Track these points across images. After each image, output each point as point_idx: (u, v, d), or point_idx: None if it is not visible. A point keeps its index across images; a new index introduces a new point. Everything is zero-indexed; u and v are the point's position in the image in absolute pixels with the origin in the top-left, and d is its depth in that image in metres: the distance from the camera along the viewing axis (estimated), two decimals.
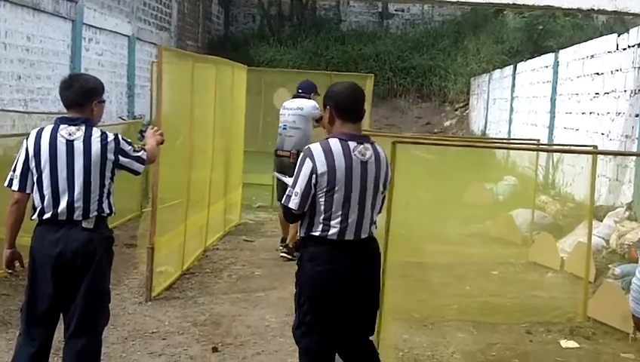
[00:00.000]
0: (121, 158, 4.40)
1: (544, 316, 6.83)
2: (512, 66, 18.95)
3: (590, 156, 7.39)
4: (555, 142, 13.16)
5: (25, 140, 4.36)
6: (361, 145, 4.06)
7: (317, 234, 4.07)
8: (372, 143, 4.15)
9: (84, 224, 4.28)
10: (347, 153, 4.01)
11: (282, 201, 4.15)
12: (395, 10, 34.65)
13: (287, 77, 15.86)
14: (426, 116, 28.06)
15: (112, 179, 4.42)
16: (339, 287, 4.09)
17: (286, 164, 8.82)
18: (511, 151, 16.61)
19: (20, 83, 15.80)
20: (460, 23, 31.21)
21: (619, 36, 10.32)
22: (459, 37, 29.95)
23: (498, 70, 21.44)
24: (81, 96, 4.35)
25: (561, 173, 12.35)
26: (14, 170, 4.34)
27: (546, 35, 25.51)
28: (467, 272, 8.59)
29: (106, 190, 4.37)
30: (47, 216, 4.27)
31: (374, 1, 27.53)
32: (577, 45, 12.67)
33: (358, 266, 4.11)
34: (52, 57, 17.08)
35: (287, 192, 4.10)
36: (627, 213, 8.76)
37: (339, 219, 4.04)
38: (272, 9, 34.28)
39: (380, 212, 4.32)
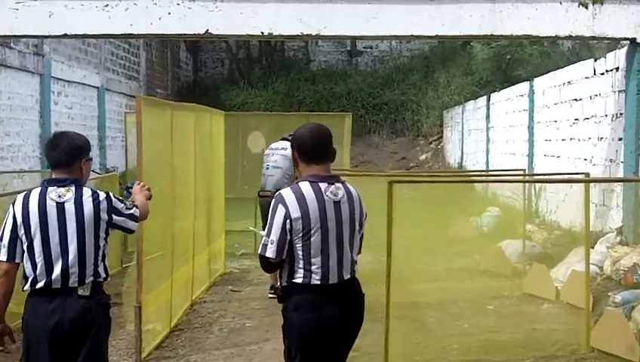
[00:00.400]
0: (115, 217, 4.25)
1: (547, 350, 6.67)
2: (485, 97, 19.01)
3: (581, 183, 7.30)
4: (536, 171, 13.11)
5: (11, 206, 4.17)
6: (332, 186, 4.01)
7: (299, 281, 3.96)
8: (343, 183, 4.09)
9: (80, 291, 4.10)
10: (319, 195, 3.95)
11: (259, 251, 4.03)
12: (364, 48, 34.82)
13: (263, 120, 15.77)
14: (401, 151, 28.06)
15: (105, 240, 4.27)
16: (328, 333, 3.99)
17: (267, 205, 8.65)
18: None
19: None
20: (428, 57, 31.42)
21: (595, 61, 10.32)
22: (428, 71, 30.11)
23: (471, 101, 21.50)
24: (69, 155, 4.19)
25: (544, 201, 12.27)
26: (1, 239, 4.13)
27: (514, 64, 25.63)
28: (462, 309, 8.42)
29: (100, 252, 4.22)
30: (40, 285, 4.07)
31: (343, 39, 27.40)
32: (553, 72, 12.68)
33: (345, 308, 4.03)
34: (21, 113, 16.81)
35: (262, 241, 4.00)
36: (618, 238, 8.65)
37: (319, 263, 3.94)
38: (241, 52, 34.32)
39: (359, 252, 4.22)
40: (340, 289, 4.00)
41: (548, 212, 12.00)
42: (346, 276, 4.03)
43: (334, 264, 3.97)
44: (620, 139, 9.13)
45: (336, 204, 3.98)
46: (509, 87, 17.98)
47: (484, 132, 18.44)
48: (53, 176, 4.22)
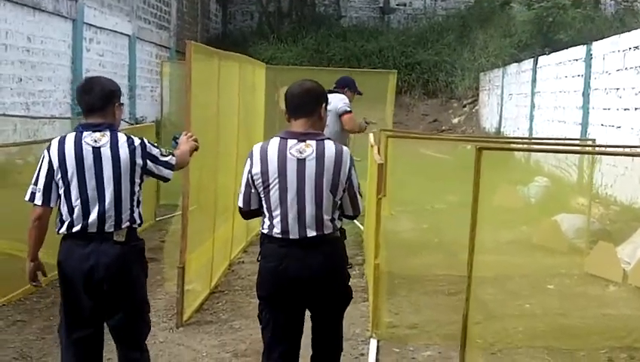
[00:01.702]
0: (149, 163, 4.19)
1: (623, 339, 6.11)
2: (531, 60, 18.24)
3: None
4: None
5: (45, 151, 4.09)
6: (302, 143, 3.96)
7: (265, 231, 4.06)
8: (320, 140, 3.99)
9: (115, 237, 4.06)
10: (282, 152, 3.95)
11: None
12: (397, 5, 34.02)
13: (302, 74, 15.14)
14: (433, 113, 27.36)
15: (140, 186, 4.21)
16: (287, 284, 4.00)
17: None
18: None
19: (21, 86, 15.09)
20: (464, 16, 30.51)
21: None
22: (464, 31, 29.23)
23: (514, 64, 20.72)
24: (103, 99, 4.14)
25: (599, 174, 11.62)
26: (36, 183, 4.05)
27: (555, 28, 24.72)
28: (519, 287, 7.87)
29: (136, 198, 4.17)
30: (76, 228, 4.03)
31: None
32: (617, 36, 11.95)
33: (310, 264, 3.97)
34: (53, 58, 16.38)
35: (239, 190, 4.18)
36: None
37: (279, 216, 3.96)
38: (271, 6, 33.59)
39: (358, 212, 4.18)
40: (302, 245, 3.96)
41: (603, 186, 11.35)
42: (310, 233, 3.95)
43: (293, 219, 3.94)
44: None
45: (300, 161, 3.93)
46: (552, 51, 17.26)
47: (529, 97, 17.73)
48: (87, 121, 4.13)
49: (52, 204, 4.06)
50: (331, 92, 8.75)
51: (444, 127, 26.13)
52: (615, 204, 10.63)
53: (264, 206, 4.03)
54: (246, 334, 6.24)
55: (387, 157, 7.89)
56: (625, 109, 11.10)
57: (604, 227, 9.60)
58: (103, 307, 4.13)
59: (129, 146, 4.10)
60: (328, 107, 8.82)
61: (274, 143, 4.00)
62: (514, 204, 12.03)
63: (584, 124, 13.05)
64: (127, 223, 4.10)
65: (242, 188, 4.12)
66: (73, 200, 4.01)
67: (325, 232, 3.99)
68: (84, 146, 4.01)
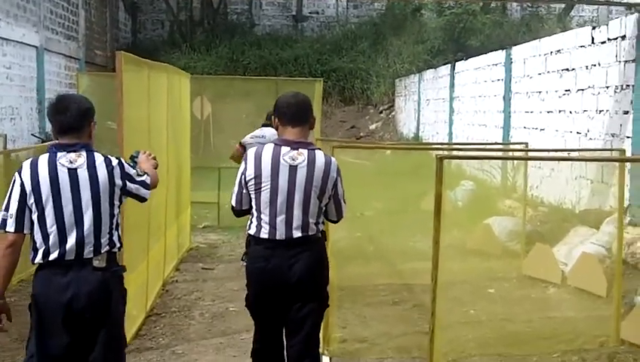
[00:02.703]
0: (128, 184, 4.02)
1: (572, 342, 6.08)
2: (449, 65, 18.42)
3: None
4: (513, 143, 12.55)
5: (17, 174, 3.84)
6: (295, 151, 4.20)
7: (252, 233, 4.27)
8: (311, 149, 4.24)
9: (95, 263, 3.83)
10: (275, 158, 4.19)
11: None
12: (310, 13, 34.01)
13: (228, 84, 14.89)
14: (350, 120, 27.39)
15: (119, 208, 4.02)
16: (273, 284, 4.20)
17: None
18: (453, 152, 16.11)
19: None
20: (377, 24, 30.78)
21: (594, 29, 9.75)
22: (378, 38, 29.49)
23: (431, 70, 20.90)
24: (80, 119, 3.92)
25: (522, 176, 11.72)
26: (7, 209, 3.79)
27: (466, 34, 25.18)
28: (462, 293, 7.78)
29: (115, 221, 3.96)
30: (52, 256, 3.79)
31: None
32: (536, 41, 12.11)
33: (293, 264, 4.19)
34: None
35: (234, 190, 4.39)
36: (628, 219, 8.16)
37: (267, 218, 4.19)
38: (182, 15, 33.04)
39: (341, 216, 4.46)
40: (288, 245, 4.18)
41: (529, 187, 11.43)
42: (296, 234, 4.18)
43: (282, 222, 4.17)
44: (626, 113, 8.62)
45: (292, 168, 4.17)
46: (468, 56, 17.45)
47: (447, 102, 17.87)
48: (60, 141, 3.89)
49: (26, 231, 3.81)
50: (265, 126, 8.81)
51: (362, 134, 26.18)
52: (543, 206, 10.73)
53: (254, 207, 4.25)
54: (190, 359, 5.94)
55: None
56: (548, 112, 11.24)
57: (536, 228, 9.65)
58: (80, 342, 3.84)
59: (107, 166, 3.91)
60: (263, 141, 8.80)
61: (268, 149, 4.23)
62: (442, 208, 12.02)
63: (506, 128, 13.19)
64: (107, 247, 3.89)
65: (235, 189, 4.32)
66: (48, 227, 3.77)
67: (309, 233, 4.23)
68: (59, 168, 3.80)
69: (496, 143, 12.29)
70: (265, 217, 4.20)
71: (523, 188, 9.33)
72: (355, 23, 32.61)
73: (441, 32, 26.11)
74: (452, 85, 17.61)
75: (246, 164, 4.26)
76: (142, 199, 4.18)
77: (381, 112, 27.09)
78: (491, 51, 15.03)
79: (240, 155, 8.81)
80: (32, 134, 19.34)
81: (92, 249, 3.83)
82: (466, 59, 17.10)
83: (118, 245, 3.97)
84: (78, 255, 3.80)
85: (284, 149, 4.20)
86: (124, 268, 4.11)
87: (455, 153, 10.39)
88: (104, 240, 3.87)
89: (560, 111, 10.75)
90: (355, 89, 27.68)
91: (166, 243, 8.26)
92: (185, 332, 6.66)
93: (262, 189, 4.18)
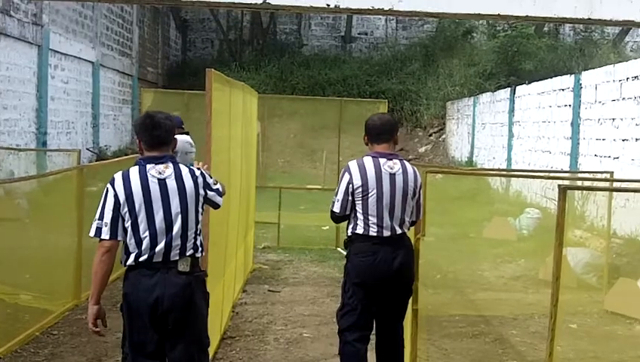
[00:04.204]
0: (208, 192, 4.30)
1: None
2: (508, 89, 18.13)
3: None
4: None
5: (109, 185, 4.09)
6: (390, 161, 4.98)
7: (360, 232, 4.97)
8: (401, 160, 5.04)
9: (180, 267, 4.08)
10: (377, 167, 4.94)
11: (330, 206, 5.09)
12: (358, 34, 33.98)
13: (291, 103, 14.81)
14: (399, 142, 27.02)
15: (201, 215, 4.29)
16: (379, 275, 4.92)
17: None
18: (512, 179, 15.80)
19: None
20: (427, 45, 30.52)
21: None
22: (428, 60, 29.26)
23: (487, 93, 20.61)
24: (170, 133, 4.27)
25: (593, 205, 11.40)
26: (101, 218, 4.05)
27: (519, 57, 24.84)
28: (542, 327, 7.48)
29: (198, 227, 4.23)
30: (142, 259, 4.04)
31: (418, 16, 26.49)
32: (611, 66, 11.81)
33: (395, 257, 4.94)
34: (18, 86, 15.69)
35: (332, 199, 5.08)
36: None
37: (375, 218, 4.92)
38: (232, 34, 33.24)
39: (418, 215, 5.17)
40: (392, 240, 4.95)
41: (599, 217, 11.09)
42: (398, 231, 4.96)
43: (387, 220, 4.92)
44: None
45: (392, 175, 4.94)
46: (531, 80, 17.15)
47: (506, 126, 17.56)
48: (148, 154, 4.18)
49: (119, 238, 4.05)
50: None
51: (410, 156, 25.92)
52: (616, 237, 10.38)
53: (359, 211, 4.95)
54: None
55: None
56: (623, 140, 10.92)
57: (612, 261, 9.33)
58: (166, 340, 4.10)
59: (192, 177, 4.19)
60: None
61: (368, 161, 4.99)
62: (507, 237, 11.75)
63: (573, 155, 12.85)
64: (191, 251, 4.14)
65: (340, 197, 5.00)
66: (141, 233, 4.03)
67: (406, 231, 5.03)
68: (150, 179, 4.07)
69: (581, 172, 11.92)
70: (372, 218, 4.92)
71: (605, 219, 8.98)
72: (405, 44, 32.48)
73: (493, 54, 25.80)
74: (512, 109, 17.31)
75: (350, 175, 4.97)
76: (217, 206, 4.45)
77: (431, 135, 26.82)
78: (552, 76, 14.76)
79: None
80: (87, 148, 19.44)
81: (178, 252, 4.08)
82: (528, 83, 16.79)
83: (200, 250, 4.22)
84: (165, 258, 4.05)
85: (382, 160, 4.97)
86: (205, 273, 4.34)
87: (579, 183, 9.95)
88: (189, 244, 4.12)
89: (637, 139, 10.42)
90: (404, 111, 27.44)
91: (236, 264, 8.12)
92: (262, 357, 6.49)
93: (369, 195, 4.92)
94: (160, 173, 4.09)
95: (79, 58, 19.48)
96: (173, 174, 4.12)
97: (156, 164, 4.12)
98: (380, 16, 32.55)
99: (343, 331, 5.08)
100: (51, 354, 6.25)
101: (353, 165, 4.99)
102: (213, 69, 5.94)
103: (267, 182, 14.26)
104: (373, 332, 5.19)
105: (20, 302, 7.34)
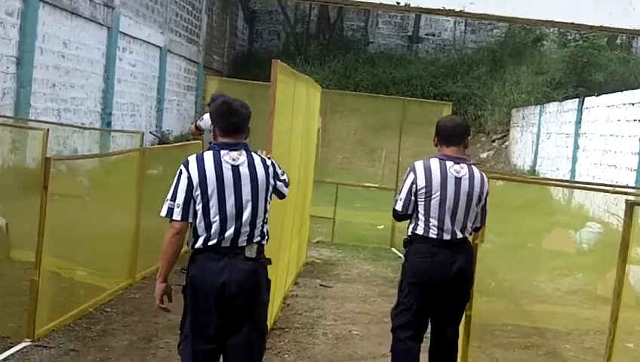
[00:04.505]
0: (277, 182, 4.34)
1: None
2: (576, 100, 17.77)
3: None
4: None
5: (183, 168, 4.12)
6: (458, 165, 4.94)
7: (420, 233, 4.96)
8: (469, 164, 4.99)
9: (247, 253, 4.12)
10: (443, 170, 4.91)
11: (392, 205, 5.13)
12: (426, 35, 33.73)
13: (352, 100, 14.77)
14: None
15: (269, 203, 4.31)
16: (437, 277, 4.90)
17: None
18: (575, 191, 15.48)
19: (54, 91, 14.66)
20: (495, 50, 30.16)
21: None
22: (495, 65, 28.92)
23: (555, 103, 20.23)
24: (246, 121, 4.28)
25: None
26: (173, 199, 4.07)
27: (590, 68, 24.32)
28: (598, 344, 7.29)
29: (266, 215, 4.25)
30: (211, 243, 4.08)
31: (489, 19, 26.25)
32: None
33: (454, 261, 4.91)
34: (87, 65, 15.96)
35: (395, 197, 5.13)
36: None
37: (436, 221, 4.90)
38: (298, 27, 33.32)
39: (483, 222, 5.12)
40: (452, 244, 4.91)
41: None
42: (459, 235, 4.92)
43: (448, 224, 4.89)
44: None
45: (458, 179, 4.89)
46: (600, 93, 16.77)
47: (572, 137, 17.21)
48: (223, 140, 4.21)
49: (190, 220, 4.07)
50: None
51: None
52: None
53: (421, 212, 4.94)
54: None
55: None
56: None
57: None
58: (228, 324, 4.12)
59: (264, 166, 4.22)
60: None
61: (435, 163, 4.96)
62: (566, 249, 11.50)
63: None
64: (258, 238, 4.17)
65: (403, 196, 4.99)
66: (212, 217, 4.05)
67: (467, 236, 5.01)
68: (224, 164, 4.10)
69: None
70: (434, 221, 4.90)
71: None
72: (472, 48, 32.13)
73: (562, 64, 25.32)
74: (579, 121, 16.96)
75: (415, 175, 4.95)
76: (282, 196, 4.49)
77: (493, 141, 26.47)
78: (622, 89, 14.39)
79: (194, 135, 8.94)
80: (150, 132, 19.68)
81: (246, 239, 4.10)
82: (598, 95, 16.41)
83: (267, 238, 4.25)
84: (233, 243, 4.07)
85: (449, 163, 4.93)
86: (269, 261, 4.34)
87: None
88: (257, 232, 4.15)
89: None
90: (468, 115, 27.10)
91: (289, 255, 8.10)
92: (310, 351, 6.45)
93: (432, 197, 4.89)
94: (234, 160, 4.12)
95: (147, 42, 19.73)
96: (246, 162, 4.15)
97: (230, 150, 4.15)
98: (449, 18, 32.27)
99: (396, 329, 5.10)
100: (103, 331, 6.31)
101: (419, 165, 4.97)
102: (279, 61, 5.92)
103: (325, 177, 14.24)
104: (427, 333, 5.14)
105: (75, 277, 7.44)
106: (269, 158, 4.34)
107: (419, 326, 5.07)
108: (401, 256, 10.79)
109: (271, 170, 4.25)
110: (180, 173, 4.09)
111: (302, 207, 8.94)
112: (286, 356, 6.26)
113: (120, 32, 17.42)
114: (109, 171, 7.66)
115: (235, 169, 4.11)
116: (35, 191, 12.27)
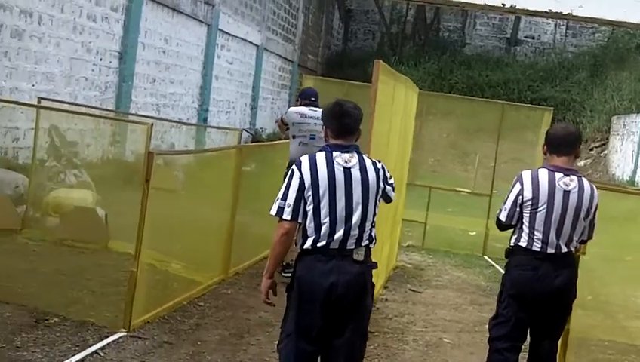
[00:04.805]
0: (387, 186, 4.33)
1: None
2: None
3: None
4: None
5: (295, 168, 4.15)
6: (567, 177, 4.77)
7: (523, 245, 4.87)
8: (579, 176, 4.83)
9: (355, 256, 4.12)
10: (552, 182, 4.77)
11: (497, 214, 5.08)
12: (525, 37, 33.06)
13: (448, 103, 14.61)
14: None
15: (377, 207, 4.30)
16: (538, 290, 4.80)
17: None
18: None
19: (154, 87, 15.00)
20: (597, 55, 29.32)
21: None
22: (596, 71, 28.11)
23: None
24: (358, 123, 4.28)
25: None
26: (284, 198, 4.10)
27: None
28: None
29: (374, 219, 4.24)
30: (320, 244, 4.09)
31: (597, 23, 25.79)
32: None
33: (558, 275, 4.78)
34: (186, 62, 16.28)
35: (500, 206, 5.03)
36: None
37: (541, 234, 4.79)
38: (394, 27, 33.15)
39: (590, 236, 4.99)
40: (555, 258, 4.78)
41: None
42: (564, 249, 4.79)
43: (553, 237, 4.77)
44: None
45: (566, 192, 4.74)
46: None
47: None
48: (334, 142, 4.20)
49: (300, 220, 4.09)
50: (312, 105, 8.41)
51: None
52: None
53: (525, 224, 4.85)
54: None
55: None
56: None
57: None
58: (332, 325, 4.12)
59: (375, 169, 4.20)
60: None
61: (543, 173, 4.82)
62: None
63: None
64: (366, 241, 4.17)
65: (508, 206, 4.93)
66: (322, 218, 4.06)
67: (572, 250, 4.87)
68: (336, 166, 4.09)
69: None
70: (538, 233, 4.80)
71: None
72: (573, 52, 31.34)
73: None
74: None
75: (522, 185, 4.85)
76: (389, 200, 4.47)
77: (592, 149, 25.71)
78: None
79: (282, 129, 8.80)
80: (244, 129, 19.94)
81: (354, 241, 4.09)
82: None
83: (374, 241, 4.24)
84: (342, 246, 4.07)
85: (558, 175, 4.78)
86: (376, 264, 4.32)
87: None
88: (365, 235, 4.13)
89: None
90: (566, 121, 26.41)
91: (381, 258, 8.03)
92: (400, 357, 6.38)
93: (538, 210, 4.78)
94: (346, 162, 4.11)
95: (245, 40, 19.98)
96: (358, 164, 4.13)
97: (342, 152, 4.14)
98: (550, 21, 31.52)
99: (493, 339, 5.06)
100: (196, 325, 6.38)
101: (526, 176, 4.86)
102: (381, 61, 5.88)
103: (416, 180, 14.11)
104: (526, 344, 5.07)
105: (170, 270, 7.57)
106: (379, 162, 4.32)
107: (517, 338, 5.01)
108: (494, 264, 10.69)
109: (381, 173, 4.24)
110: (292, 173, 4.12)
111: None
112: (376, 360, 6.20)
113: (219, 29, 17.70)
114: (206, 167, 7.77)
115: (347, 171, 4.10)
116: (133, 183, 12.58)
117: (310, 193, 4.07)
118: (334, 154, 4.13)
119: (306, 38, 27.30)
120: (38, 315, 5.94)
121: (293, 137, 8.22)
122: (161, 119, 14.64)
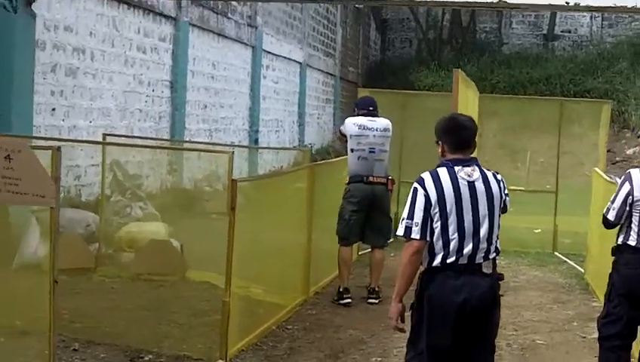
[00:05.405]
0: (507, 198, 4.34)
1: None
2: None
3: None
4: None
5: (418, 185, 4.13)
6: None
7: (632, 244, 4.94)
8: None
9: (484, 269, 4.12)
10: None
11: (604, 213, 5.21)
12: (561, 32, 32.78)
13: (503, 103, 14.47)
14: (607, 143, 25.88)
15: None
16: None
17: (380, 193, 7.94)
18: None
19: (206, 112, 15.15)
20: (636, 44, 28.95)
21: None
22: (637, 59, 27.73)
23: None
24: (474, 136, 4.28)
25: None
26: (411, 218, 4.07)
27: None
28: None
29: (498, 231, 4.22)
30: (449, 260, 4.06)
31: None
32: None
33: None
34: (234, 85, 16.42)
35: (608, 206, 5.14)
36: None
37: None
38: (431, 33, 33.11)
39: None
40: None
41: None
42: None
43: None
44: None
45: None
46: None
47: None
48: (452, 156, 4.18)
49: (428, 238, 4.06)
50: (371, 115, 8.05)
51: (617, 158, 24.69)
52: None
53: (635, 223, 4.93)
54: None
55: None
56: None
57: None
58: (464, 340, 4.08)
59: (497, 181, 4.21)
60: (389, 134, 8.16)
61: (637, 174, 4.94)
62: None
63: None
64: (494, 254, 4.17)
65: (617, 206, 5.04)
66: (450, 234, 4.04)
67: None
68: (460, 181, 4.08)
69: None
70: None
71: None
72: (611, 42, 31.00)
73: None
74: None
75: (632, 186, 4.96)
76: (506, 210, 4.38)
77: (639, 137, 25.38)
78: None
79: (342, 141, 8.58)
80: (294, 147, 20.03)
81: (483, 255, 4.09)
82: None
83: (499, 252, 4.23)
84: (471, 260, 4.06)
85: None
86: (502, 276, 4.36)
87: None
88: (492, 247, 4.13)
89: None
90: (612, 111, 26.06)
91: None
92: None
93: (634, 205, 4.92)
94: (469, 176, 4.11)
95: (288, 58, 20.11)
96: (480, 177, 4.13)
97: (464, 166, 4.13)
98: (585, 14, 31.19)
99: (604, 338, 5.16)
100: (290, 349, 6.37)
101: (635, 175, 4.98)
102: (460, 70, 5.87)
103: None
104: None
105: (252, 295, 7.54)
106: (497, 173, 4.31)
107: (628, 336, 5.11)
108: (567, 260, 10.59)
109: (502, 184, 4.25)
110: (416, 191, 4.10)
111: None
112: None
113: (263, 50, 17.83)
114: (281, 188, 7.78)
115: (472, 185, 4.09)
116: (193, 211, 12.60)
117: (437, 210, 4.05)
118: (456, 168, 4.11)
119: (345, 51, 27.38)
120: (132, 353, 5.89)
121: (352, 151, 7.94)
122: (214, 144, 14.76)
